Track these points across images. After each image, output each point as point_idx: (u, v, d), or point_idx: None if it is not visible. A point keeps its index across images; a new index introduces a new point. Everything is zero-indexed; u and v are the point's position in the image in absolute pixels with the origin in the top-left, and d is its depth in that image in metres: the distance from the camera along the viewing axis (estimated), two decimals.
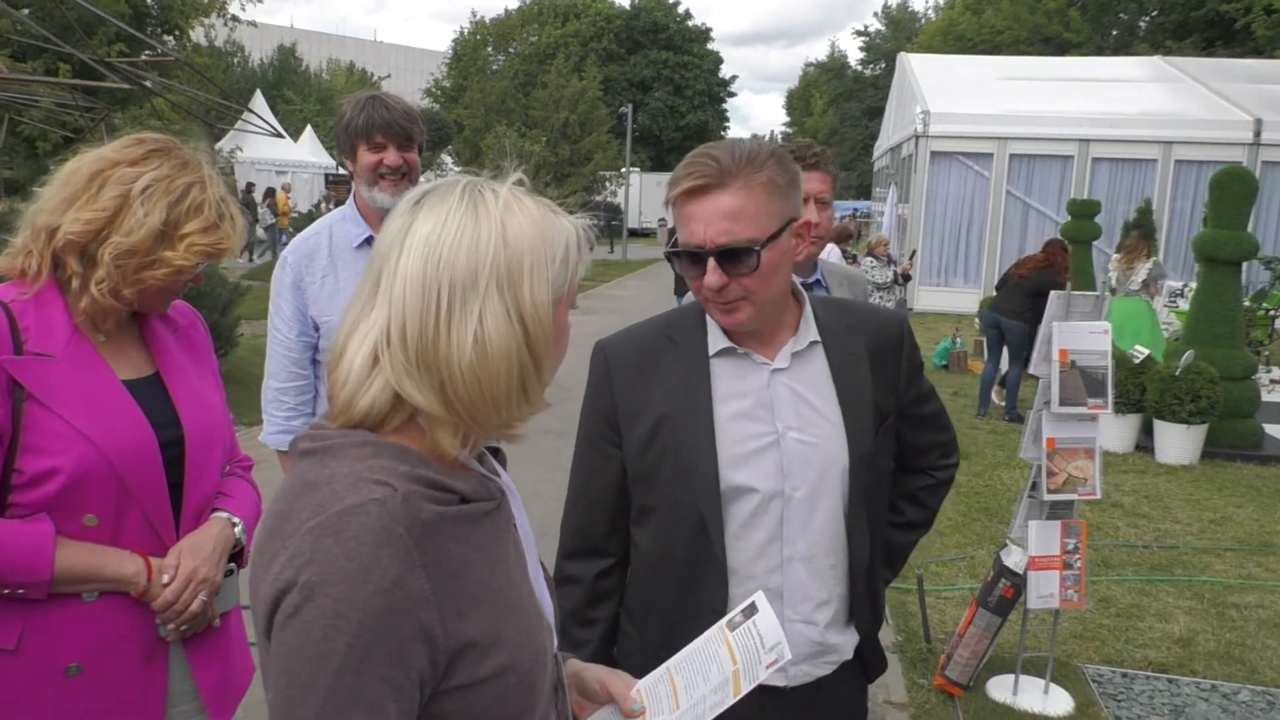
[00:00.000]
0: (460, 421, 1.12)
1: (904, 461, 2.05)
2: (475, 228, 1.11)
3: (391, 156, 2.76)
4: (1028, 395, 9.42)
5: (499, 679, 1.13)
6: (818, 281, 2.89)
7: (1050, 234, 17.17)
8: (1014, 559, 3.98)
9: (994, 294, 9.77)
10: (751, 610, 1.48)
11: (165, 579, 1.80)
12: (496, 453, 1.33)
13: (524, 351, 1.11)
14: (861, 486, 1.86)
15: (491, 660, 1.12)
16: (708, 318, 1.87)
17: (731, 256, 1.71)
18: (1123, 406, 8.32)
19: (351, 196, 2.93)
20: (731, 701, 1.37)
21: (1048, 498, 3.86)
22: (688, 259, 1.74)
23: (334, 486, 1.07)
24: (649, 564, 1.87)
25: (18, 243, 1.80)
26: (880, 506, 1.96)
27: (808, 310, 1.89)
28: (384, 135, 2.75)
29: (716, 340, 1.85)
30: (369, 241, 2.83)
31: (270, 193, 26.28)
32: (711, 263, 1.70)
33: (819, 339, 1.88)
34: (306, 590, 1.02)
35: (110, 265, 1.75)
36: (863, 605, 1.91)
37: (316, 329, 2.85)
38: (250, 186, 26.24)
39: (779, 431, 1.81)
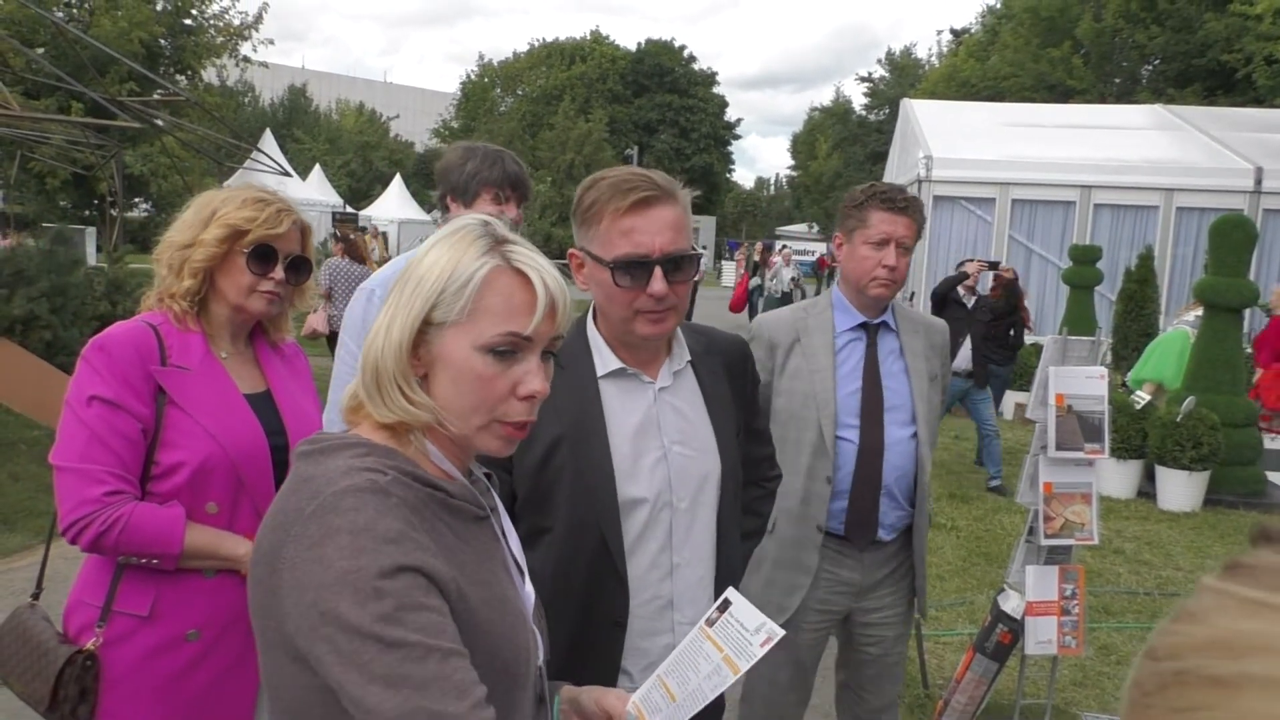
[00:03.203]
0: (365, 398, 1.26)
1: (743, 474, 2.19)
2: (418, 251, 1.28)
3: (513, 211, 2.86)
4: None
5: (483, 665, 1.18)
6: (885, 323, 2.90)
7: (1053, 279, 17.24)
8: (1011, 604, 3.96)
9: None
10: (725, 605, 1.55)
11: None
12: (490, 478, 1.43)
13: (383, 347, 1.23)
14: (729, 495, 2.02)
15: (477, 642, 1.18)
16: (591, 342, 1.97)
17: (677, 264, 1.83)
18: (1124, 452, 8.30)
19: None
20: (732, 680, 1.45)
21: (1045, 542, 3.85)
22: (627, 270, 1.82)
23: (328, 475, 1.17)
24: (543, 586, 1.92)
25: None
26: (739, 513, 2.13)
27: (679, 333, 2.02)
28: (513, 190, 2.86)
29: (605, 362, 1.96)
30: None
31: (338, 238, 25.87)
32: (658, 271, 1.81)
33: (691, 359, 2.02)
34: (324, 563, 1.09)
35: (168, 265, 2.12)
36: None
37: None
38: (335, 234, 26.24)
39: (665, 446, 1.94)
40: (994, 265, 9.16)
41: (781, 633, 1.46)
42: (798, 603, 2.89)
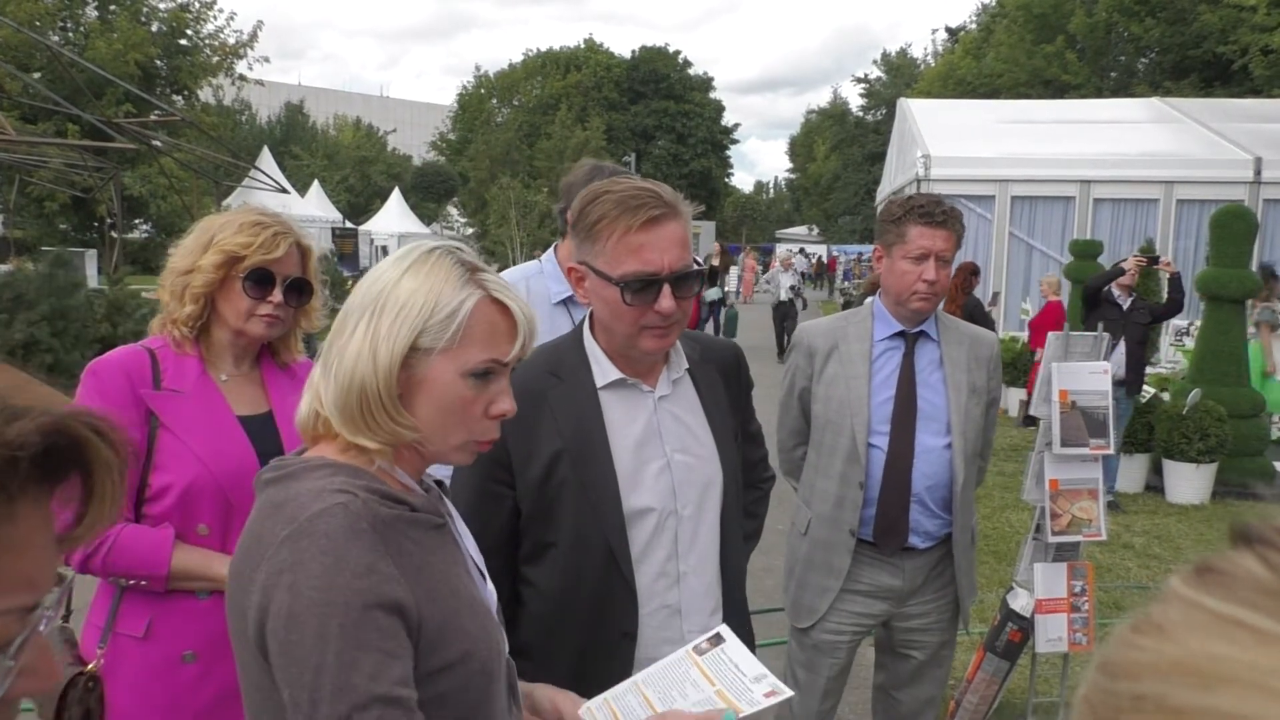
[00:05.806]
0: (340, 422, 1.29)
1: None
2: (386, 274, 1.32)
3: None
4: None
5: (462, 665, 1.26)
6: (924, 333, 2.89)
7: (1054, 274, 17.22)
8: (1020, 602, 3.94)
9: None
10: (718, 640, 1.55)
11: None
12: (441, 485, 1.51)
13: (370, 372, 1.26)
14: (731, 500, 2.02)
15: (454, 646, 1.25)
16: (589, 351, 1.97)
17: (685, 281, 1.84)
18: (1131, 446, 8.26)
19: (553, 251, 2.90)
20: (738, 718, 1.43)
21: (1052, 540, 3.83)
22: (636, 288, 1.81)
23: (300, 500, 1.23)
24: (550, 600, 1.91)
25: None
26: (741, 518, 2.13)
27: (675, 341, 2.01)
28: None
29: (604, 373, 1.95)
30: (566, 301, 2.78)
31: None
32: (667, 288, 1.81)
33: (689, 366, 2.02)
34: (294, 590, 1.16)
35: (170, 291, 2.14)
36: (738, 611, 2.07)
37: None
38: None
39: (667, 455, 1.94)
40: (1154, 260, 8.10)
41: (789, 693, 1.45)
42: (828, 605, 2.93)
